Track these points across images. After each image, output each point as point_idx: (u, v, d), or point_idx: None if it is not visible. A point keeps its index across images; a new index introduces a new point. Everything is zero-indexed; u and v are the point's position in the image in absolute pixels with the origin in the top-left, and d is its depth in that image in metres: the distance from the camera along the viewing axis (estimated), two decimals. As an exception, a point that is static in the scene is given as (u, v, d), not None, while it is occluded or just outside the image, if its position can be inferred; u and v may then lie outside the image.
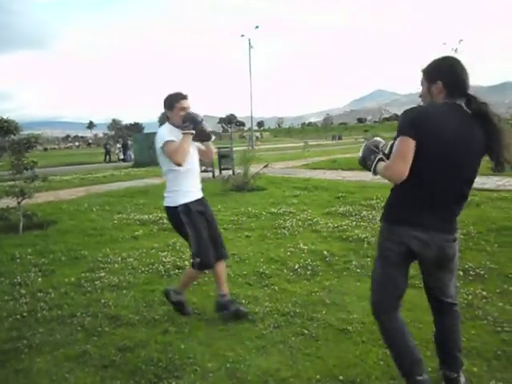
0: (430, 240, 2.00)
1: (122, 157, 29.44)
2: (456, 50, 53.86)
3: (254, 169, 9.90)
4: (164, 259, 4.75)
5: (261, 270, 4.34)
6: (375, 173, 2.11)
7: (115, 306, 3.58)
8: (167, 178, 3.17)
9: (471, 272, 4.06)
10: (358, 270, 4.25)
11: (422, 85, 2.10)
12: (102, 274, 4.34)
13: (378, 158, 2.10)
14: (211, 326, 3.22)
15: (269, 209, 7.44)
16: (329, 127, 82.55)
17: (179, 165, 2.93)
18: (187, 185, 3.14)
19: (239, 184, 9.38)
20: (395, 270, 2.11)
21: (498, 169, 2.00)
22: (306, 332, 3.05)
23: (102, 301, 3.68)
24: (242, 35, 38.63)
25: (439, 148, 1.91)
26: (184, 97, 3.11)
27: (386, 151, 2.12)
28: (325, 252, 4.83)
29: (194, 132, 2.98)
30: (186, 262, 4.58)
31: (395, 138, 1.98)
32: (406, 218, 2.03)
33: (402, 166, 1.90)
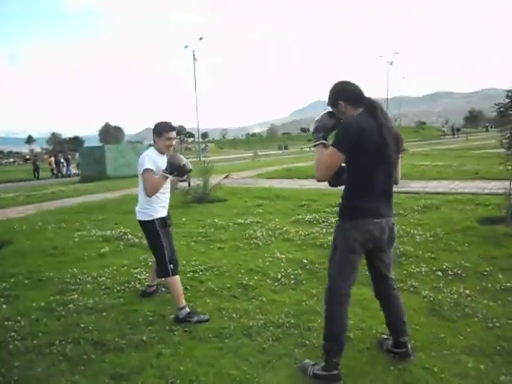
0: (386, 224, 2.45)
1: (65, 172, 28.16)
2: (391, 63, 57.10)
3: (212, 180, 9.76)
4: (139, 276, 4.49)
5: (244, 282, 4.23)
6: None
7: (97, 330, 3.31)
8: (141, 195, 3.50)
9: (449, 272, 4.21)
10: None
11: (329, 117, 2.51)
12: (75, 296, 4.02)
13: (319, 142, 2.47)
14: (207, 344, 3.07)
15: (235, 219, 7.32)
16: (274, 137, 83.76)
17: (149, 196, 3.36)
18: (162, 204, 3.56)
19: (199, 196, 9.19)
20: (356, 259, 2.48)
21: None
22: (308, 343, 2.99)
23: (81, 325, 3.39)
24: (186, 46, 38.43)
25: (374, 150, 2.31)
26: (172, 128, 3.49)
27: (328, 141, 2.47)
28: (304, 260, 4.80)
29: (169, 176, 3.35)
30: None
31: (333, 143, 2.35)
32: (366, 211, 2.41)
33: (329, 174, 2.41)
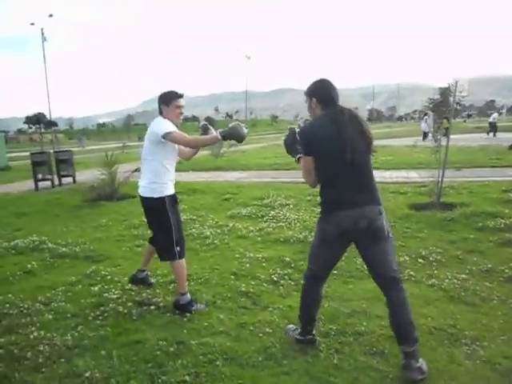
0: (360, 214, 2.45)
1: None
2: (249, 57, 59.35)
3: (87, 174, 8.56)
4: (110, 296, 3.60)
5: (242, 289, 3.72)
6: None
7: (108, 377, 2.49)
8: (150, 169, 3.19)
9: (430, 258, 4.37)
10: (336, 272, 4.06)
11: (306, 102, 2.67)
12: (35, 334, 2.99)
13: (297, 157, 2.74)
14: (270, 370, 2.55)
15: (165, 218, 6.56)
16: (129, 128, 79.42)
17: (191, 146, 3.28)
18: (171, 177, 3.28)
19: (107, 192, 8.02)
20: (327, 249, 2.62)
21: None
22: (375, 349, 2.72)
23: (80, 375, 2.50)
24: (32, 24, 33.45)
25: (330, 149, 2.46)
26: (181, 96, 3.25)
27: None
28: (286, 258, 4.48)
29: (220, 139, 3.17)
30: (146, 295, 3.59)
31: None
32: (335, 203, 2.52)
33: (311, 178, 2.62)
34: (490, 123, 23.70)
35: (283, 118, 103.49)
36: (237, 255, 4.70)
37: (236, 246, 5.08)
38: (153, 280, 3.88)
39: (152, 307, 3.37)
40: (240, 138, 3.13)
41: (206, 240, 5.34)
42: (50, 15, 34.12)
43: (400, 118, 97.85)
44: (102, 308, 3.37)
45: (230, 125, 3.17)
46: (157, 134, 3.08)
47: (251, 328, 3.04)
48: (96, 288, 3.79)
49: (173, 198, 3.24)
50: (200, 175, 11.85)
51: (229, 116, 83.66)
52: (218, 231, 5.76)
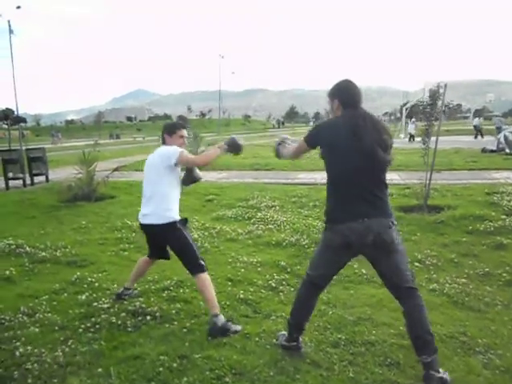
0: (367, 226, 2.32)
1: None
2: (223, 57, 59.08)
3: (60, 173, 8.16)
4: (101, 306, 3.35)
5: (241, 297, 3.56)
6: (278, 156, 2.96)
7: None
8: (163, 195, 3.10)
9: (426, 262, 4.33)
10: (335, 277, 3.94)
11: (328, 103, 2.60)
12: (21, 349, 2.71)
13: (277, 143, 2.93)
14: (282, 383, 2.40)
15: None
16: (100, 126, 77.53)
17: (201, 165, 3.29)
18: (178, 202, 3.25)
19: (85, 193, 7.65)
20: (330, 257, 2.52)
21: None
22: (389, 360, 2.61)
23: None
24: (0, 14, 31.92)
25: (339, 151, 2.37)
26: (183, 126, 3.36)
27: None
28: (282, 263, 4.35)
29: (223, 151, 3.22)
30: (139, 303, 3.36)
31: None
32: (339, 212, 2.41)
33: (293, 155, 2.78)
34: (475, 127, 24.32)
35: (256, 118, 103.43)
36: (229, 259, 4.53)
37: (227, 250, 4.91)
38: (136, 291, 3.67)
39: (148, 317, 3.16)
40: (239, 149, 3.28)
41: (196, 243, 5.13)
42: (18, 7, 32.70)
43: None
44: (93, 319, 3.13)
45: (230, 137, 3.33)
46: (169, 159, 3.06)
47: (256, 339, 2.88)
48: (83, 297, 3.53)
49: (185, 221, 3.24)
50: (179, 175, 11.57)
51: (203, 115, 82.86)
52: (206, 234, 5.57)
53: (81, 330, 2.98)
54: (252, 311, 3.33)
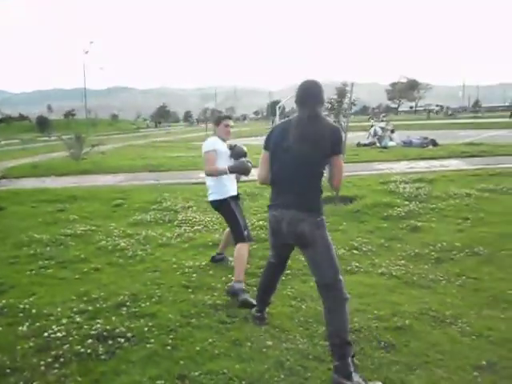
0: (284, 216, 2.51)
1: None
2: (87, 52, 55.03)
3: None
4: (49, 334, 2.83)
5: (209, 303, 3.36)
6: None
7: None
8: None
9: (364, 249, 4.60)
10: (289, 271, 3.96)
11: None
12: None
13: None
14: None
15: (57, 231, 5.58)
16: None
17: (207, 171, 3.72)
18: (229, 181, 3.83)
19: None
20: (272, 241, 2.80)
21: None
22: (383, 343, 2.72)
23: None
24: None
25: (277, 150, 2.55)
26: (228, 117, 3.99)
27: None
28: (230, 263, 4.22)
29: (228, 172, 3.68)
30: (100, 325, 2.94)
31: None
32: (271, 203, 2.66)
33: (260, 172, 2.69)
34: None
35: (123, 118, 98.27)
36: (173, 266, 4.24)
37: (164, 256, 4.59)
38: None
39: (119, 339, 2.77)
40: (247, 173, 3.74)
41: (126, 252, 4.70)
42: None
43: (244, 118, 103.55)
44: (53, 352, 2.63)
45: (239, 160, 3.73)
46: (203, 153, 3.78)
47: (248, 344, 2.75)
48: (24, 328, 2.95)
49: (232, 198, 3.80)
50: (67, 180, 10.43)
51: (72, 115, 76.00)
52: (132, 241, 5.13)
53: (43, 368, 2.49)
54: (226, 316, 3.18)
